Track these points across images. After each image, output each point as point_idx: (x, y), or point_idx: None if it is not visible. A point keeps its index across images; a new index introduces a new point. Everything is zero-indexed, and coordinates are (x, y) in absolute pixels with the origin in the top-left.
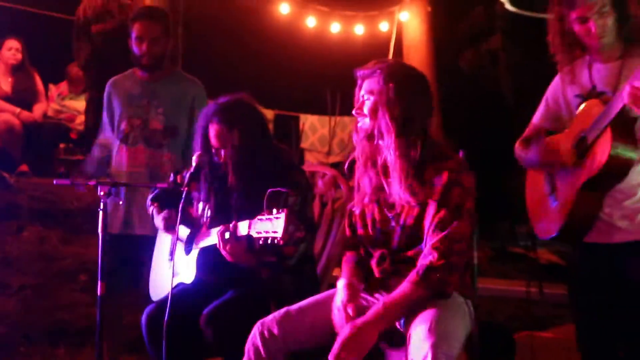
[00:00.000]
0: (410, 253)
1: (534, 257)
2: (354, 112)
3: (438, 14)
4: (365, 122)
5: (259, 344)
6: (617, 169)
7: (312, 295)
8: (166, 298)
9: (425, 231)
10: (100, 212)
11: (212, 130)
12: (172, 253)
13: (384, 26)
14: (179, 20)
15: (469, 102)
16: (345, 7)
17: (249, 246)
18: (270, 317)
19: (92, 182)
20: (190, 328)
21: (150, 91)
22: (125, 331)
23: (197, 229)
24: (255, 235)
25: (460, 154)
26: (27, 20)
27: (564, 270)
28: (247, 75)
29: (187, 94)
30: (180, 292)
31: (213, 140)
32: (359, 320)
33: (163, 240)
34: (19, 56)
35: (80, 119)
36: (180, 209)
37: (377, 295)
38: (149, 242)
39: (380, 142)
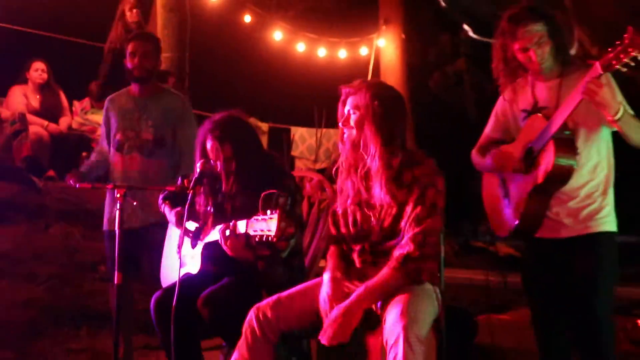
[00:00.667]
0: (388, 245)
1: (494, 251)
2: (340, 124)
3: (410, 40)
4: (352, 133)
5: (255, 325)
6: (561, 176)
7: (300, 283)
8: (173, 285)
9: (403, 226)
10: (118, 211)
11: (208, 145)
12: (179, 247)
13: (363, 51)
14: (186, 45)
15: (437, 116)
16: (331, 34)
17: (246, 242)
18: (264, 302)
19: (109, 186)
20: (194, 312)
21: (141, 106)
22: (140, 315)
23: (201, 226)
24: (252, 233)
25: (431, 160)
26: (53, 44)
27: (519, 261)
28: (245, 93)
29: (173, 109)
30: (186, 281)
31: (209, 154)
32: (345, 303)
33: (172, 235)
34: (45, 76)
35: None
36: (186, 208)
37: (357, 282)
38: (146, 232)
39: (365, 151)
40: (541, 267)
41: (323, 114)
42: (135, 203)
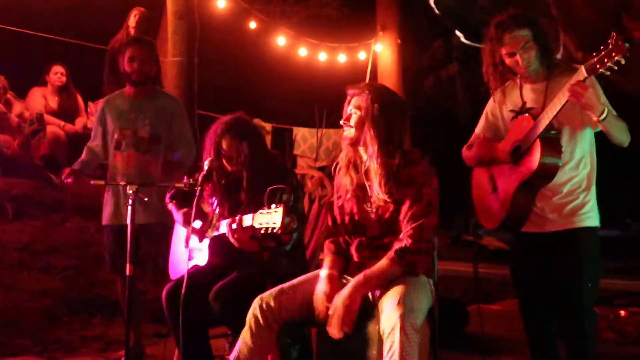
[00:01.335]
0: (386, 240)
1: (484, 244)
2: (341, 122)
3: (406, 46)
4: (350, 132)
5: (259, 314)
6: (546, 173)
7: (302, 275)
8: (183, 277)
9: (401, 222)
10: (129, 207)
11: (225, 144)
12: (187, 241)
13: (362, 55)
14: (195, 50)
15: (431, 118)
16: (331, 39)
17: (252, 234)
18: (267, 293)
19: (122, 182)
20: (203, 303)
21: (137, 106)
22: (151, 304)
23: (208, 221)
24: (257, 226)
25: (426, 160)
26: (71, 49)
27: (508, 254)
28: (250, 95)
29: (167, 108)
30: (195, 273)
31: (228, 152)
32: (344, 292)
33: (181, 230)
34: (64, 79)
35: None
36: (194, 204)
37: (355, 276)
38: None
39: (363, 149)
40: (528, 260)
41: (323, 115)
42: (146, 199)
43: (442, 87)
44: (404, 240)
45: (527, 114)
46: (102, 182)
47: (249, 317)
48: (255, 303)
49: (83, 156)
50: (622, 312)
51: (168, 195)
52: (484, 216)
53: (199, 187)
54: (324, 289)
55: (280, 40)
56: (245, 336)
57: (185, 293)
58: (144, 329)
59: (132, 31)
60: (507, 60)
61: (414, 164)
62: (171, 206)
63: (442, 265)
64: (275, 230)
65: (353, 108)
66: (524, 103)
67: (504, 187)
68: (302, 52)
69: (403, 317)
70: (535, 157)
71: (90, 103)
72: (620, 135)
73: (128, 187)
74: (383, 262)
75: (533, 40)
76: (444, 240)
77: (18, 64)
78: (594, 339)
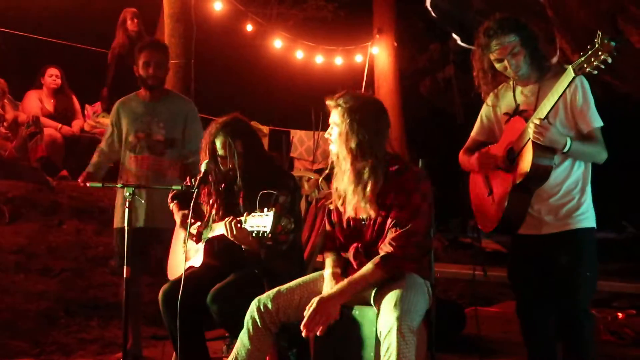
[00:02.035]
0: (379, 247)
1: (481, 247)
2: (326, 135)
3: (403, 48)
4: (332, 146)
5: (256, 316)
6: (539, 174)
7: (299, 277)
8: (180, 279)
9: (387, 228)
10: (127, 209)
11: (218, 143)
12: (184, 242)
13: (358, 58)
14: (192, 53)
15: (428, 120)
16: (327, 42)
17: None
18: (265, 295)
19: (119, 185)
20: (199, 305)
21: (151, 109)
22: (148, 306)
23: (205, 222)
24: (248, 228)
25: (420, 162)
26: (66, 51)
27: (505, 256)
28: (247, 97)
29: (182, 111)
30: (191, 275)
31: (220, 151)
32: (325, 295)
33: (179, 232)
34: (59, 81)
35: None
36: (191, 206)
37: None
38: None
39: (343, 162)
40: (525, 262)
41: (320, 117)
42: (143, 201)
43: (439, 89)
44: (388, 246)
45: (520, 116)
46: (99, 184)
47: (247, 319)
48: (253, 305)
49: (95, 157)
50: (620, 315)
51: (170, 196)
52: (481, 219)
53: (196, 190)
54: (328, 284)
55: (277, 43)
56: (243, 338)
57: (182, 296)
58: (141, 331)
59: (133, 34)
60: (497, 66)
61: (404, 170)
62: (172, 206)
63: (440, 267)
64: (265, 234)
65: (332, 122)
66: (518, 105)
67: (499, 190)
68: (299, 54)
69: (400, 319)
70: (528, 159)
71: (87, 105)
72: (589, 159)
73: (125, 190)
74: (368, 268)
75: (521, 45)
76: (440, 242)
77: (13, 66)
78: (592, 340)
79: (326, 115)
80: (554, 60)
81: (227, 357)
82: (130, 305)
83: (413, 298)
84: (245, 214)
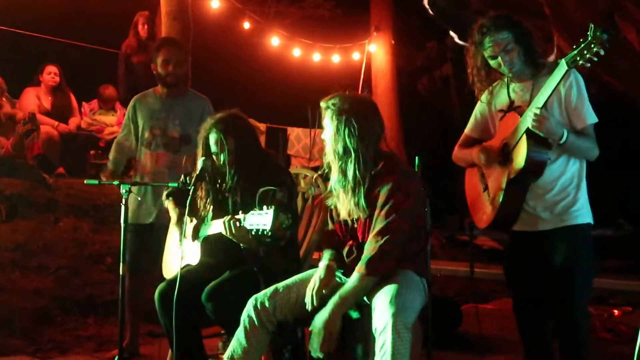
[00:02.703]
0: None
1: (478, 244)
2: (322, 136)
3: (400, 46)
4: (327, 148)
5: (253, 315)
6: (534, 169)
7: (295, 274)
8: (176, 277)
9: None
10: (123, 206)
11: (212, 139)
12: (180, 240)
13: (356, 56)
14: (189, 50)
15: (425, 118)
16: (325, 40)
17: (247, 231)
18: (262, 293)
19: (115, 182)
20: (195, 303)
21: (168, 106)
22: (145, 304)
23: (201, 220)
24: (248, 227)
25: (416, 160)
26: (64, 49)
27: (501, 253)
28: (245, 94)
29: (197, 109)
30: (187, 273)
31: (213, 148)
32: (324, 315)
33: (174, 229)
34: (57, 79)
35: (108, 130)
36: (187, 203)
37: (349, 277)
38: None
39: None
40: (521, 259)
41: (317, 115)
42: (139, 199)
43: (436, 87)
44: (368, 247)
45: (514, 112)
46: (95, 181)
47: (244, 317)
48: (250, 303)
49: (114, 154)
50: (616, 312)
51: (165, 193)
52: (476, 215)
53: (192, 187)
54: (321, 275)
55: (274, 41)
56: (239, 336)
57: (178, 294)
58: (140, 328)
59: (142, 39)
60: (491, 63)
61: (391, 170)
62: (168, 204)
63: (436, 264)
64: (265, 232)
65: (324, 124)
66: (512, 102)
67: (495, 186)
68: (296, 52)
69: (395, 316)
70: (522, 153)
71: (84, 103)
72: (582, 154)
73: (121, 187)
74: (354, 279)
75: (514, 42)
76: (437, 239)
77: (11, 64)
78: (587, 337)
79: (323, 113)
80: (551, 58)
81: (223, 354)
82: (129, 303)
83: (409, 295)
84: (241, 212)
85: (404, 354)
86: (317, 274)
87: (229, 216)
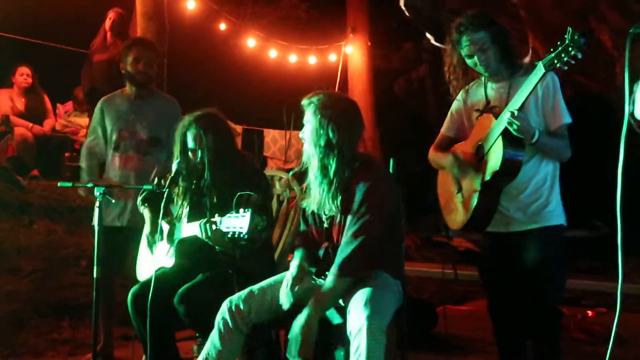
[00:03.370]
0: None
1: (454, 246)
2: (300, 134)
3: (376, 48)
4: (305, 144)
5: (228, 317)
6: (509, 170)
7: (270, 276)
8: (149, 279)
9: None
10: (97, 209)
11: (190, 135)
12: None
13: (332, 57)
14: (165, 52)
15: (401, 119)
16: (301, 41)
17: (224, 234)
18: (236, 295)
19: (89, 185)
20: (169, 306)
21: (136, 108)
22: (118, 307)
23: (175, 223)
24: (224, 229)
25: (390, 161)
26: (38, 50)
27: (477, 255)
28: (221, 96)
29: (167, 111)
30: (162, 275)
31: (190, 144)
32: (301, 320)
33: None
34: (30, 80)
35: (83, 132)
36: (162, 206)
37: (322, 277)
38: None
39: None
40: (495, 260)
41: (292, 116)
42: (113, 201)
43: (412, 88)
44: (343, 248)
45: (490, 113)
46: (69, 184)
47: (218, 320)
48: (225, 306)
49: (86, 161)
50: (590, 312)
51: (139, 198)
52: (449, 217)
53: (167, 189)
54: (293, 272)
55: (250, 42)
56: (213, 339)
57: (152, 297)
58: (114, 332)
59: (108, 34)
60: (468, 62)
61: (367, 171)
62: (143, 210)
63: (412, 266)
64: (242, 235)
65: (305, 121)
66: (488, 101)
67: (469, 188)
68: (273, 53)
69: (370, 319)
70: (498, 155)
71: (58, 105)
72: (554, 155)
73: (95, 190)
74: (329, 281)
75: (490, 42)
76: (413, 240)
77: None
78: (560, 337)
79: (299, 114)
80: (527, 59)
81: (198, 357)
82: (102, 306)
83: (383, 297)
84: (217, 215)
85: (378, 356)
86: (289, 273)
87: (205, 219)
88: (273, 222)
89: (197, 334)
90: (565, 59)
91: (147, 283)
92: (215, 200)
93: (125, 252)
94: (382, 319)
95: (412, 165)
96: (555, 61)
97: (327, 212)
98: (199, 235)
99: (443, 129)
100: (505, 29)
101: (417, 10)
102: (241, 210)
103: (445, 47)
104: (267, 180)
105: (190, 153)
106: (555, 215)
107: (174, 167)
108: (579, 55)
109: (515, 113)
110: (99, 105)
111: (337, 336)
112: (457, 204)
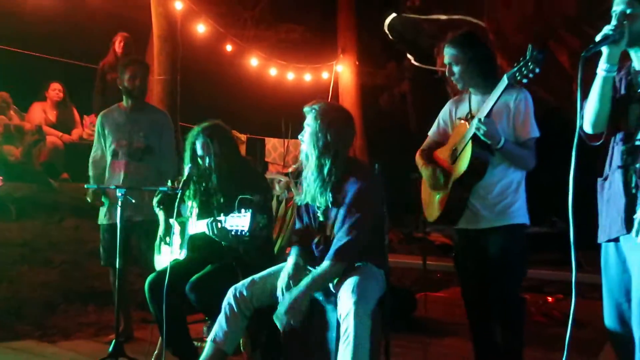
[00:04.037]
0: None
1: (432, 240)
2: (299, 136)
3: (364, 66)
4: (303, 145)
5: (233, 302)
6: (477, 171)
7: (270, 267)
8: (164, 269)
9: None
10: (119, 208)
11: (198, 144)
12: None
13: (325, 75)
14: (177, 70)
15: (386, 128)
16: (298, 61)
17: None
18: (240, 283)
19: (113, 186)
20: (182, 293)
21: (132, 119)
22: (137, 294)
23: (187, 221)
24: (228, 227)
25: (376, 166)
26: (68, 68)
27: (451, 248)
28: (227, 109)
29: (158, 121)
30: (175, 266)
31: (199, 151)
32: (295, 292)
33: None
34: (61, 95)
35: None
36: (176, 206)
37: (316, 266)
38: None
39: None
40: (467, 252)
41: (290, 126)
42: (134, 201)
43: (395, 102)
44: (338, 238)
45: (466, 121)
46: (94, 186)
47: (225, 305)
48: (230, 292)
49: (93, 171)
50: (550, 299)
51: (155, 201)
52: (427, 211)
53: (180, 191)
54: (290, 272)
55: (253, 62)
56: (221, 321)
57: (167, 285)
58: (133, 316)
59: (120, 54)
60: (447, 72)
61: (356, 172)
62: (158, 210)
63: (395, 258)
64: (244, 232)
65: (305, 124)
66: (470, 112)
67: (443, 186)
68: (273, 72)
69: (357, 303)
70: (467, 156)
71: (85, 116)
72: (518, 162)
73: (117, 191)
74: (325, 265)
75: (463, 60)
76: (396, 235)
77: (20, 81)
78: (522, 319)
79: (296, 125)
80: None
81: (207, 337)
82: (122, 293)
83: (369, 285)
84: (222, 214)
85: (365, 337)
86: (285, 270)
87: (212, 218)
88: (273, 219)
89: (206, 317)
90: (526, 72)
91: (161, 272)
92: (222, 200)
93: (137, 245)
94: (367, 304)
95: (395, 169)
96: (517, 74)
97: (319, 205)
98: (207, 232)
99: (430, 133)
100: (486, 51)
101: (400, 34)
102: (243, 210)
103: (426, 66)
104: (268, 183)
105: (199, 159)
106: (519, 215)
107: (186, 171)
108: (537, 70)
109: (482, 119)
110: (98, 119)
111: (328, 319)
112: (434, 199)
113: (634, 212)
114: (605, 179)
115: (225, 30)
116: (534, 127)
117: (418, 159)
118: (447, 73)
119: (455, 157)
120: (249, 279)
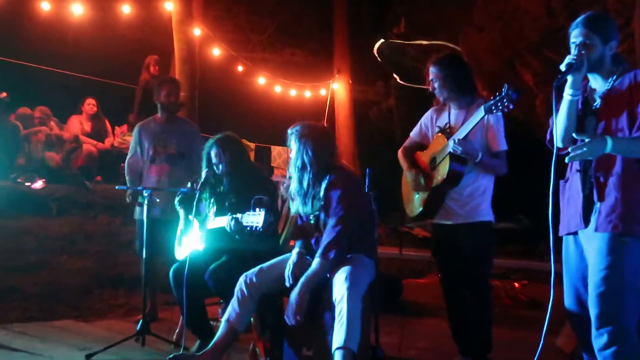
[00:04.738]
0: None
1: (414, 234)
2: (290, 155)
3: (356, 84)
4: (289, 163)
5: (244, 287)
6: (453, 180)
7: (276, 257)
8: (185, 259)
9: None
10: (145, 206)
11: (213, 153)
12: (187, 232)
13: (322, 92)
14: (196, 88)
15: (375, 138)
16: (299, 80)
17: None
18: (250, 271)
19: (140, 188)
20: (201, 279)
21: (167, 129)
22: (162, 280)
23: (205, 217)
24: (245, 224)
25: (367, 170)
26: (101, 85)
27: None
28: (239, 120)
29: (189, 131)
30: (195, 256)
31: (214, 159)
32: (295, 291)
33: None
34: (95, 108)
35: None
36: (194, 204)
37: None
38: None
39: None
40: (442, 244)
41: None
42: (158, 200)
43: (383, 115)
44: (325, 240)
45: (443, 134)
46: (124, 187)
47: (237, 290)
48: (241, 279)
49: (129, 175)
50: (516, 284)
51: (177, 200)
52: (407, 207)
53: (198, 192)
54: (295, 260)
55: (261, 80)
56: (233, 304)
57: (187, 273)
58: (158, 299)
59: (155, 73)
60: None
61: (340, 178)
62: (179, 209)
63: (383, 249)
64: (258, 228)
65: (289, 145)
66: (448, 123)
67: (423, 189)
68: (277, 89)
69: (349, 289)
70: (445, 169)
71: (116, 127)
72: (493, 171)
73: (144, 192)
74: (315, 264)
75: (443, 77)
76: (383, 230)
77: (60, 96)
78: (490, 302)
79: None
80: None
81: (222, 318)
82: (148, 279)
83: (360, 273)
84: (238, 213)
85: (357, 317)
86: (291, 259)
87: (231, 215)
88: (278, 216)
89: (221, 300)
90: (501, 107)
91: (184, 262)
92: (234, 200)
93: (161, 238)
94: (359, 290)
95: (384, 173)
96: (493, 108)
97: (306, 213)
98: (226, 227)
99: (412, 134)
100: (462, 71)
101: (387, 57)
102: (257, 209)
103: (410, 84)
104: (274, 185)
105: (214, 166)
106: (486, 214)
107: (203, 175)
108: (511, 106)
109: (456, 141)
110: (136, 129)
111: (325, 302)
112: (415, 199)
113: (591, 209)
114: (566, 181)
115: (237, 53)
116: (502, 141)
117: (401, 158)
118: (430, 88)
119: (434, 165)
120: (258, 268)
